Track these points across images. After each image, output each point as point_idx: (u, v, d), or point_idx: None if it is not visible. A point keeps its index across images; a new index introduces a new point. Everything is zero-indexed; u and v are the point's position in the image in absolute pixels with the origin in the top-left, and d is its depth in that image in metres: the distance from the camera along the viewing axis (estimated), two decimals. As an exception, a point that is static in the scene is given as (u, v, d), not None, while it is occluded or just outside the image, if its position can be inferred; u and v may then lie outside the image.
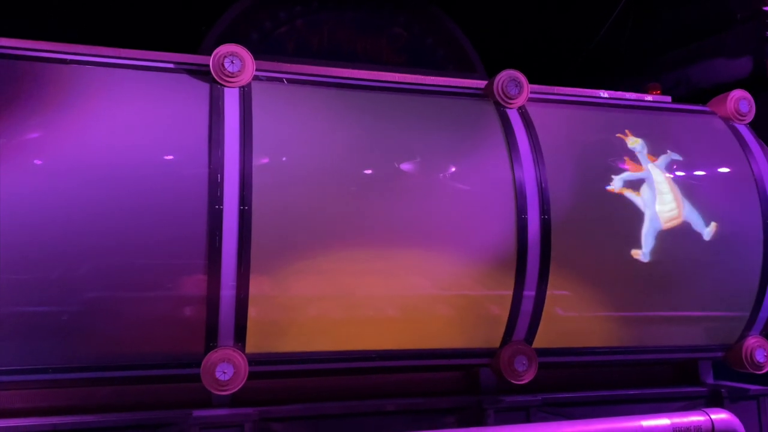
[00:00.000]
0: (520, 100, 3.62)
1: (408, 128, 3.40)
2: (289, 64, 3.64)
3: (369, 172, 3.28)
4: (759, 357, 3.79)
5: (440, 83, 3.72)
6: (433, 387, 3.63)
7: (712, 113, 4.12)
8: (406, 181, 3.29)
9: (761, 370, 3.81)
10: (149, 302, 2.93)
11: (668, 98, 4.40)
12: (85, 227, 2.83)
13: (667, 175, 3.68)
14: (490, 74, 3.78)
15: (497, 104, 3.62)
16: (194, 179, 2.98)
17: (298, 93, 3.37)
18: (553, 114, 3.73)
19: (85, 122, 2.95)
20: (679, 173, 3.75)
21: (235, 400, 3.22)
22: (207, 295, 2.94)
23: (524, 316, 3.39)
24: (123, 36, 4.16)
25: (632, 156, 3.65)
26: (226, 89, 3.17)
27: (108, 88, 3.07)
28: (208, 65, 3.18)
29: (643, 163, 3.65)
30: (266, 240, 3.00)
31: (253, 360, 3.06)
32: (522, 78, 3.61)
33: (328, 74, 3.54)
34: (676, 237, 3.60)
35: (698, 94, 5.16)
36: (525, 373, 3.39)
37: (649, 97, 4.28)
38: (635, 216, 3.57)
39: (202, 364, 2.95)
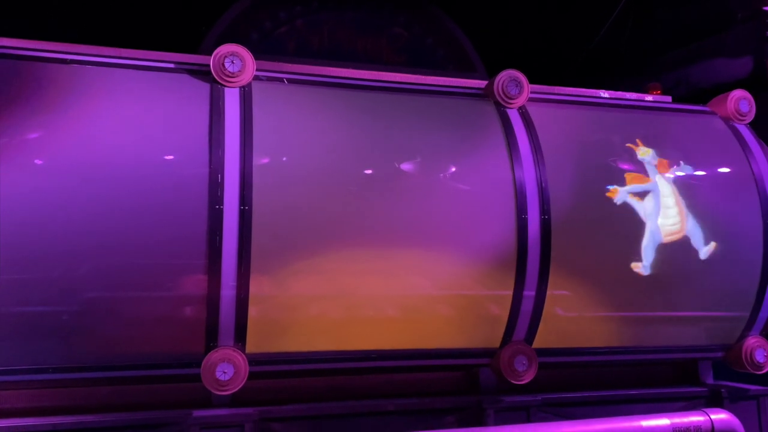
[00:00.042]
0: (521, 100, 3.62)
1: (408, 128, 3.40)
2: (289, 64, 3.63)
3: (369, 171, 3.28)
4: (759, 357, 3.79)
5: (440, 83, 3.72)
6: (433, 387, 3.63)
7: (713, 113, 4.12)
8: (407, 181, 3.29)
9: (761, 370, 3.81)
10: (149, 302, 2.94)
11: (668, 98, 4.40)
12: (86, 227, 2.83)
13: (675, 188, 3.65)
14: (491, 74, 3.79)
15: (497, 104, 3.62)
16: (194, 179, 2.98)
17: (299, 93, 3.37)
18: (554, 114, 3.73)
19: (85, 122, 2.95)
20: (680, 173, 3.75)
21: (235, 400, 3.22)
22: (207, 294, 2.94)
23: (524, 316, 3.39)
24: (123, 36, 4.16)
25: (641, 167, 3.64)
26: (226, 89, 3.17)
27: (108, 88, 3.07)
28: (208, 65, 3.18)
29: (651, 175, 3.63)
30: (266, 240, 3.00)
31: (254, 360, 3.06)
32: (522, 78, 3.61)
33: (328, 74, 3.54)
34: (676, 243, 3.60)
35: (698, 94, 5.17)
36: (525, 373, 3.39)
37: (649, 97, 4.28)
38: (635, 218, 3.57)
39: (203, 364, 2.95)
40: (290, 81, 3.39)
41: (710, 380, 4.09)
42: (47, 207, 2.81)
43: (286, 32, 4.54)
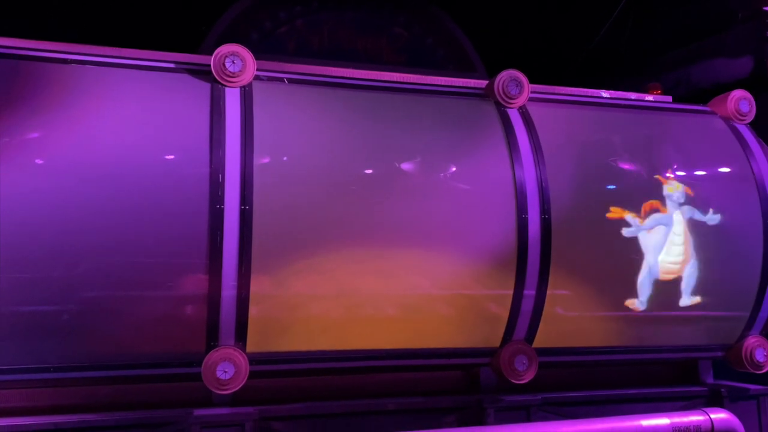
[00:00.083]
0: (521, 100, 3.62)
1: (408, 128, 3.41)
2: (289, 64, 3.64)
3: (370, 171, 3.28)
4: (759, 356, 3.79)
5: (441, 83, 3.72)
6: (434, 386, 3.63)
7: (713, 113, 4.12)
8: (407, 181, 3.30)
9: (761, 369, 3.82)
10: (150, 301, 2.94)
11: (669, 98, 4.40)
12: (87, 227, 2.84)
13: (687, 226, 3.62)
14: (491, 74, 3.79)
15: (498, 104, 3.62)
16: (195, 179, 2.98)
17: (299, 93, 3.37)
18: (554, 114, 3.73)
19: (85, 122, 2.95)
20: (680, 173, 3.76)
21: (235, 399, 3.22)
22: (208, 294, 2.95)
23: (524, 316, 3.40)
24: (123, 36, 4.16)
25: (663, 200, 3.60)
26: (227, 89, 3.17)
27: (109, 88, 3.07)
28: (209, 65, 3.19)
29: (670, 209, 3.60)
30: (267, 239, 3.01)
31: (254, 359, 3.06)
32: (522, 78, 3.62)
33: (328, 74, 3.54)
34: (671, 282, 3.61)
35: (699, 93, 5.17)
36: (525, 372, 3.40)
37: (649, 97, 4.28)
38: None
39: (203, 363, 2.96)
40: (291, 81, 3.39)
41: (710, 380, 4.09)
42: (48, 207, 2.82)
43: (287, 32, 4.54)
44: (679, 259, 3.59)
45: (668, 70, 5.70)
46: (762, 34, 5.05)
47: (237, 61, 3.18)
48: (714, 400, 3.83)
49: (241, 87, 3.20)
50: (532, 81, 3.67)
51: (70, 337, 2.87)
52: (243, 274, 2.96)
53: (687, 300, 3.64)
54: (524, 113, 3.62)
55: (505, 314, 3.39)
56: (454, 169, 3.39)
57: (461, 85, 3.79)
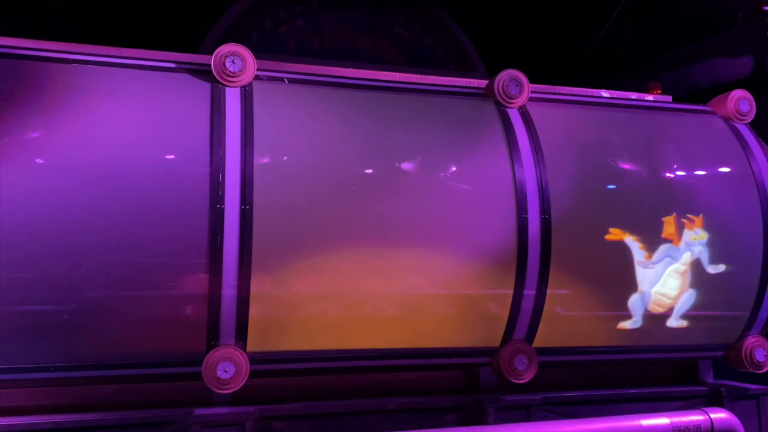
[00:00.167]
0: (521, 100, 3.62)
1: (409, 128, 3.41)
2: (289, 64, 3.64)
3: (370, 171, 3.29)
4: (759, 356, 3.79)
5: (441, 83, 3.72)
6: (434, 386, 3.64)
7: (713, 113, 4.12)
8: (407, 181, 3.30)
9: (761, 369, 3.82)
10: (151, 301, 2.94)
11: (669, 98, 4.40)
12: (87, 226, 2.84)
13: (690, 264, 3.60)
14: (491, 74, 3.79)
15: (498, 104, 3.62)
16: (195, 179, 2.98)
17: (299, 92, 3.37)
18: (554, 114, 3.73)
19: (86, 122, 2.95)
20: (680, 173, 3.76)
21: (236, 399, 3.22)
22: (208, 294, 2.95)
23: (524, 315, 3.40)
24: (124, 35, 4.16)
25: (680, 238, 3.57)
26: (227, 89, 3.18)
27: (109, 88, 3.07)
28: (209, 65, 3.19)
29: (683, 243, 3.56)
30: (267, 239, 3.01)
31: (254, 358, 3.06)
32: (523, 78, 3.62)
33: (328, 74, 3.54)
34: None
35: (699, 93, 5.17)
36: (525, 372, 3.40)
37: (649, 97, 4.29)
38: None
39: (204, 362, 2.96)
40: (291, 80, 3.39)
41: (710, 379, 4.10)
42: (48, 206, 2.82)
43: (287, 32, 4.54)
44: (673, 294, 3.59)
45: (668, 70, 5.70)
46: (762, 33, 5.06)
47: (237, 60, 3.19)
48: (714, 399, 3.83)
49: (241, 87, 3.20)
50: (532, 81, 3.67)
51: (70, 337, 2.87)
52: (243, 274, 2.96)
53: (690, 295, 3.63)
54: (524, 113, 3.62)
55: (505, 314, 3.39)
56: (454, 168, 3.39)
57: (461, 84, 3.79)
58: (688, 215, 3.62)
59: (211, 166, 2.98)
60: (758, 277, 3.75)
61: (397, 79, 3.68)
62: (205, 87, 3.18)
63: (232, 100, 3.14)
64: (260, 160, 3.07)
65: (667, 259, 3.54)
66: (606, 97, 4.05)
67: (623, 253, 3.51)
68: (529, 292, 3.37)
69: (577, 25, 5.89)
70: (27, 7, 5.04)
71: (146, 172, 2.95)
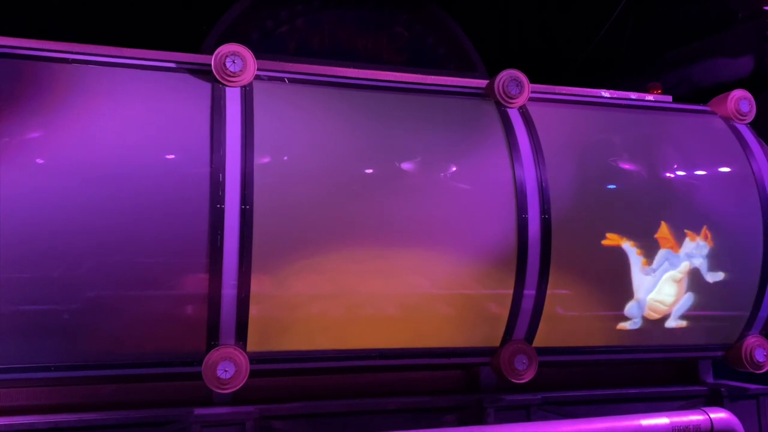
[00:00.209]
0: (521, 100, 3.62)
1: (409, 128, 3.41)
2: (290, 64, 3.64)
3: (370, 171, 3.29)
4: (759, 356, 3.80)
5: (441, 83, 3.72)
6: (434, 386, 3.64)
7: (713, 113, 4.12)
8: (407, 181, 3.30)
9: (761, 369, 3.82)
10: (151, 301, 2.95)
11: (669, 98, 4.40)
12: (88, 226, 2.84)
13: (689, 271, 3.59)
14: (491, 74, 3.79)
15: (498, 104, 3.62)
16: (196, 178, 2.99)
17: (300, 92, 3.38)
18: (554, 113, 3.73)
19: (86, 121, 2.96)
20: (680, 174, 3.76)
21: (236, 398, 3.23)
22: (208, 293, 2.95)
23: (524, 315, 3.40)
24: (124, 35, 4.16)
25: (681, 242, 3.57)
26: (227, 89, 3.18)
27: (109, 88, 3.07)
28: (209, 65, 3.19)
29: (681, 253, 3.56)
30: (267, 239, 3.01)
31: (255, 358, 3.07)
32: (523, 77, 3.62)
33: (329, 74, 3.55)
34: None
35: (699, 93, 5.17)
36: (525, 371, 3.40)
37: (650, 97, 4.28)
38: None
39: (204, 362, 2.96)
40: (291, 80, 3.40)
41: (710, 379, 4.10)
42: (49, 206, 2.82)
43: (287, 32, 4.54)
44: (669, 300, 3.59)
45: (669, 70, 5.70)
46: (762, 33, 5.05)
47: (237, 60, 3.19)
48: (714, 399, 3.83)
49: (241, 87, 3.20)
50: (532, 81, 3.67)
51: (71, 337, 2.88)
52: (243, 274, 2.96)
53: (686, 300, 3.65)
54: (524, 113, 3.62)
55: (505, 314, 3.39)
56: (454, 168, 3.39)
57: (461, 84, 3.79)
58: (691, 226, 3.61)
59: (211, 166, 2.99)
60: (758, 277, 3.76)
61: (398, 79, 3.68)
62: (205, 87, 3.18)
63: (233, 100, 3.15)
64: (260, 160, 3.07)
65: (666, 264, 3.54)
66: (606, 97, 4.05)
67: (624, 253, 3.51)
68: (529, 292, 3.37)
69: (577, 25, 5.88)
70: (27, 7, 5.04)
71: (146, 172, 2.95)
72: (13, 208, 2.77)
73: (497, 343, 3.45)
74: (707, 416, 3.35)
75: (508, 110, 3.61)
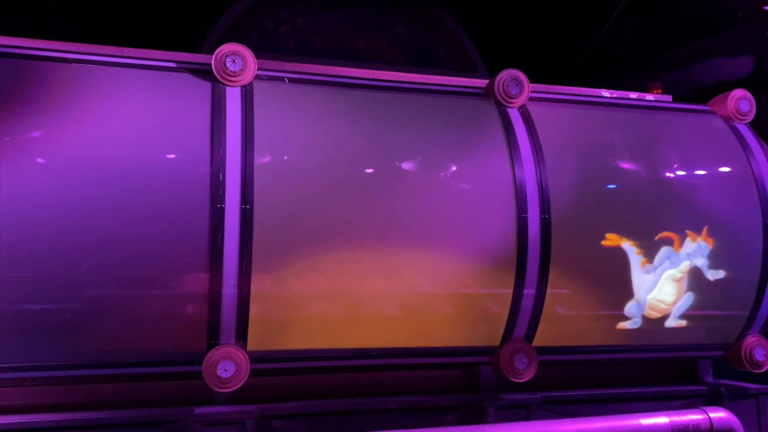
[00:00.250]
0: (521, 100, 3.63)
1: (409, 127, 3.42)
2: (290, 63, 3.65)
3: (370, 170, 3.29)
4: (758, 356, 3.80)
5: (441, 82, 3.73)
6: (434, 385, 3.65)
7: (713, 113, 4.13)
8: (407, 180, 3.31)
9: (760, 368, 3.82)
10: (152, 300, 2.95)
11: (669, 97, 4.40)
12: (88, 225, 2.85)
13: (689, 271, 3.59)
14: (491, 73, 3.80)
15: (498, 103, 3.63)
16: (196, 178, 2.99)
17: (300, 92, 3.38)
18: (554, 113, 3.74)
19: (86, 121, 2.96)
20: (680, 173, 3.76)
21: (236, 397, 3.23)
22: (209, 293, 2.96)
23: (524, 315, 3.41)
24: (124, 35, 4.17)
25: (681, 242, 3.56)
26: (227, 88, 3.18)
27: (110, 87, 3.08)
28: (209, 64, 3.20)
29: (683, 253, 3.56)
30: (268, 238, 3.02)
31: (255, 357, 3.07)
32: (523, 77, 3.62)
33: (329, 73, 3.55)
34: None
35: (699, 93, 5.17)
36: (525, 371, 3.40)
37: (650, 97, 4.29)
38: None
39: (204, 361, 2.97)
40: (291, 80, 3.40)
41: (710, 379, 4.10)
42: (49, 206, 2.83)
43: (287, 31, 4.54)
44: (669, 300, 3.59)
45: (669, 70, 5.70)
46: (762, 33, 5.05)
47: (238, 60, 3.19)
48: (713, 399, 3.83)
49: (241, 86, 3.21)
50: (532, 80, 3.68)
51: (71, 336, 2.88)
52: (244, 273, 2.97)
53: (687, 299, 3.65)
54: (524, 113, 3.63)
55: (505, 313, 3.39)
56: (454, 168, 3.40)
57: (462, 84, 3.79)
58: (691, 228, 3.61)
59: (211, 166, 2.99)
60: (758, 276, 3.76)
61: (398, 79, 3.69)
62: (205, 86, 3.18)
63: (233, 100, 3.15)
64: (261, 159, 3.07)
65: (667, 263, 3.55)
66: (606, 97, 4.06)
67: (623, 252, 3.51)
68: (529, 291, 3.38)
69: (577, 24, 5.88)
70: (27, 7, 5.05)
71: (147, 171, 2.95)
72: (14, 208, 2.78)
73: (497, 343, 3.45)
74: (707, 416, 3.35)
75: (508, 110, 3.61)
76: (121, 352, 2.96)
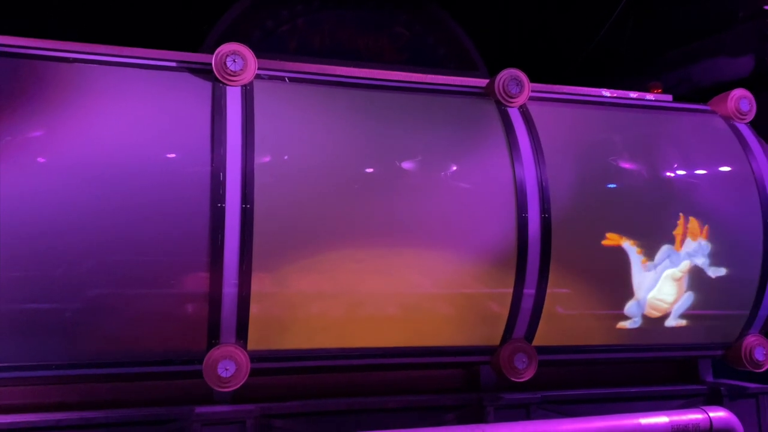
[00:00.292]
0: (521, 99, 3.63)
1: (409, 127, 3.42)
2: (290, 63, 3.65)
3: (370, 170, 3.29)
4: (758, 355, 3.80)
5: (441, 82, 3.73)
6: (434, 384, 3.65)
7: (713, 112, 4.13)
8: (408, 180, 3.31)
9: (760, 368, 3.82)
10: (152, 299, 2.95)
11: (669, 97, 4.41)
12: (88, 225, 2.85)
13: (689, 270, 3.59)
14: (492, 73, 3.80)
15: (498, 103, 3.63)
16: (196, 177, 2.99)
17: (300, 91, 3.38)
18: (555, 113, 3.74)
19: (87, 121, 2.96)
20: (680, 173, 3.76)
21: (236, 397, 3.23)
22: (209, 292, 2.96)
23: (524, 314, 3.41)
24: (124, 35, 4.17)
25: (682, 242, 3.56)
26: (228, 88, 3.18)
27: (110, 87, 3.08)
28: (210, 64, 3.20)
29: (683, 252, 3.55)
30: (268, 238, 3.02)
31: (255, 357, 3.07)
32: (523, 77, 3.62)
33: (329, 73, 3.55)
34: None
35: (700, 92, 5.17)
36: (525, 370, 3.41)
37: (650, 96, 4.29)
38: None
39: (205, 360, 2.97)
40: (292, 80, 3.40)
41: (710, 378, 4.10)
42: (50, 205, 2.83)
43: (288, 31, 4.55)
44: (669, 299, 3.59)
45: (669, 70, 5.70)
46: (763, 32, 5.06)
47: (238, 59, 3.19)
48: (713, 398, 3.84)
49: (242, 86, 3.21)
50: (532, 80, 3.68)
51: (72, 335, 2.88)
52: (244, 273, 2.97)
53: (687, 298, 3.65)
54: (525, 112, 3.63)
55: (505, 313, 3.40)
56: (454, 167, 3.40)
57: (462, 83, 3.79)
58: (692, 221, 3.61)
59: (212, 165, 2.99)
60: (758, 276, 3.76)
61: (398, 78, 3.69)
62: (206, 86, 3.19)
63: (233, 99, 3.15)
64: (261, 159, 3.08)
65: (667, 261, 3.55)
66: (606, 96, 4.06)
67: (624, 252, 3.52)
68: (529, 290, 3.38)
69: (577, 24, 5.89)
70: (27, 6, 5.05)
71: (147, 170, 2.96)
72: (14, 208, 2.78)
73: (497, 342, 3.46)
74: (707, 415, 3.36)
75: (509, 109, 3.62)
76: (121, 352, 2.96)
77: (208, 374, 2.96)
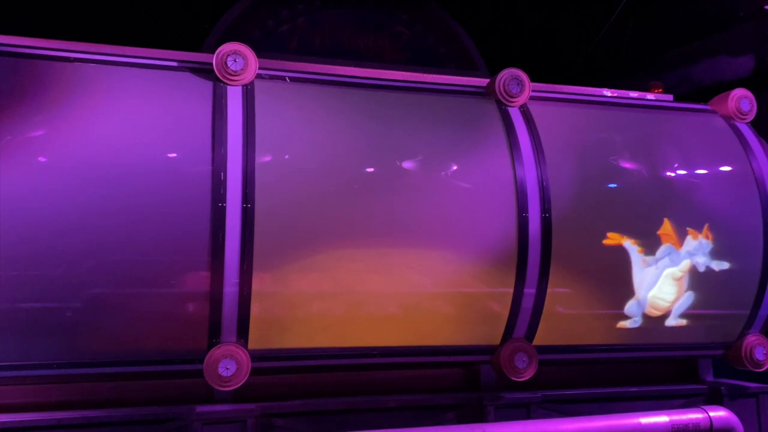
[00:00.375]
0: (522, 99, 3.63)
1: (410, 126, 3.42)
2: (291, 62, 3.65)
3: (371, 169, 3.30)
4: (758, 355, 3.80)
5: (442, 81, 3.73)
6: (434, 384, 3.65)
7: (714, 112, 4.13)
8: (408, 179, 3.31)
9: (761, 368, 3.83)
10: (153, 299, 2.95)
11: (670, 97, 4.41)
12: (89, 224, 2.85)
13: (690, 268, 3.59)
14: (492, 72, 3.80)
15: (499, 102, 3.63)
16: (197, 177, 3.00)
17: (301, 91, 3.38)
18: (555, 112, 3.74)
19: (87, 120, 2.96)
20: (681, 172, 3.77)
21: (237, 396, 3.24)
22: (210, 291, 2.96)
23: (525, 314, 3.41)
24: (125, 34, 4.17)
25: (682, 241, 3.56)
26: (229, 87, 3.18)
27: (111, 86, 3.08)
28: (211, 63, 3.20)
29: (682, 251, 3.55)
30: (269, 237, 3.02)
31: (256, 356, 3.08)
32: (524, 76, 3.63)
33: (330, 72, 3.55)
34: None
35: (700, 92, 5.17)
36: (525, 370, 3.41)
37: (651, 96, 4.29)
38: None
39: (205, 360, 2.97)
40: (292, 79, 3.40)
41: (710, 378, 4.10)
42: (50, 205, 2.83)
43: (288, 30, 4.55)
44: (670, 299, 3.59)
45: (669, 70, 5.70)
46: (764, 32, 5.06)
47: (239, 59, 3.20)
48: (713, 398, 3.84)
49: (243, 85, 3.21)
50: (533, 80, 3.68)
51: (72, 334, 2.89)
52: (245, 272, 2.97)
53: (687, 298, 3.65)
54: (525, 112, 3.63)
55: (505, 312, 3.40)
56: (454, 167, 3.40)
57: (462, 83, 3.79)
58: (692, 224, 3.61)
59: (212, 165, 3.00)
60: (758, 276, 3.76)
61: (399, 78, 3.69)
62: (207, 86, 3.19)
63: (234, 99, 3.15)
64: (262, 158, 3.08)
65: (667, 260, 3.55)
66: (607, 96, 4.06)
67: (624, 251, 3.52)
68: (530, 290, 3.38)
69: (578, 24, 5.89)
70: (27, 6, 5.05)
71: (148, 170, 2.96)
72: (15, 207, 2.78)
73: (497, 342, 3.46)
74: (707, 415, 3.36)
75: (509, 109, 3.62)
76: (122, 351, 2.96)
77: (209, 373, 2.97)
